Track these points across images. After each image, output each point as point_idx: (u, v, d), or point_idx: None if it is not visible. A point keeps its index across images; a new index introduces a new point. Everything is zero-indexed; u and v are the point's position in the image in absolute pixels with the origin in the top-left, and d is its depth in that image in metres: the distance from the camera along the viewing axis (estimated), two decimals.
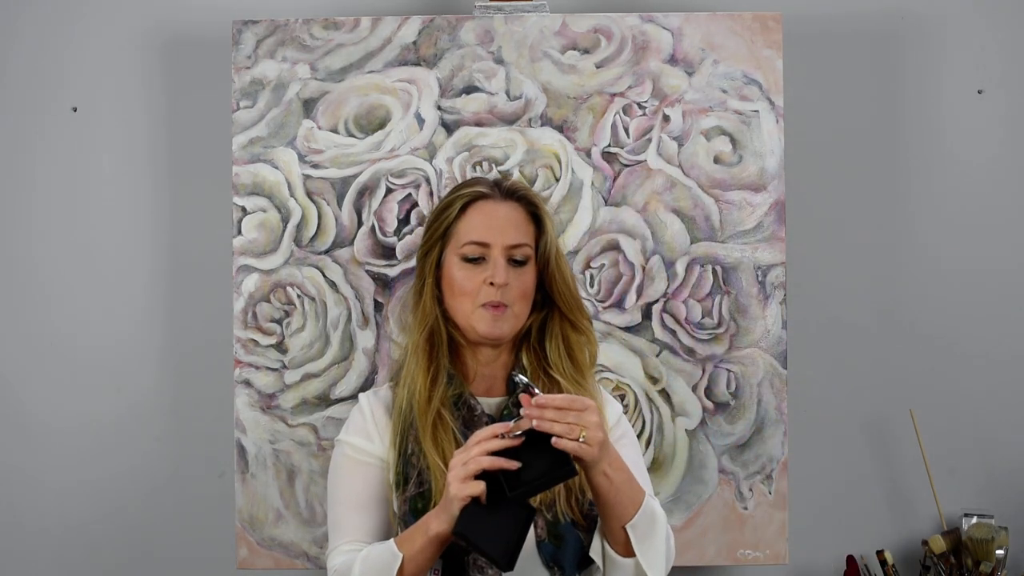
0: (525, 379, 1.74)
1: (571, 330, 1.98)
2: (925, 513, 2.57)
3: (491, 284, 1.91)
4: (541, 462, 1.69)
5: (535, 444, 1.69)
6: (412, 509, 1.87)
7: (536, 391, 1.72)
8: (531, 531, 1.84)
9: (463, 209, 1.95)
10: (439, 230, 1.96)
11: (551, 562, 1.85)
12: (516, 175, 2.38)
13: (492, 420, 1.92)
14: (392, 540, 1.80)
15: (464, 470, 1.69)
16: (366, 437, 1.94)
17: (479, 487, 1.69)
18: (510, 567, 1.69)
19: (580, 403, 1.71)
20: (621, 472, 1.77)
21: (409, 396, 1.92)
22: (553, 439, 1.69)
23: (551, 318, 1.98)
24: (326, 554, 1.91)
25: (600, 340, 2.38)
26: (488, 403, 1.95)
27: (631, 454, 1.95)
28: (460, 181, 2.36)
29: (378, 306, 2.39)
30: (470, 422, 1.91)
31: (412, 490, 1.88)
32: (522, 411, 1.70)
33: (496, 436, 1.71)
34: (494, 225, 1.94)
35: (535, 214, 1.98)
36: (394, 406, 1.95)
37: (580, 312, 1.99)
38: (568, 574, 1.86)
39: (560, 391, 1.93)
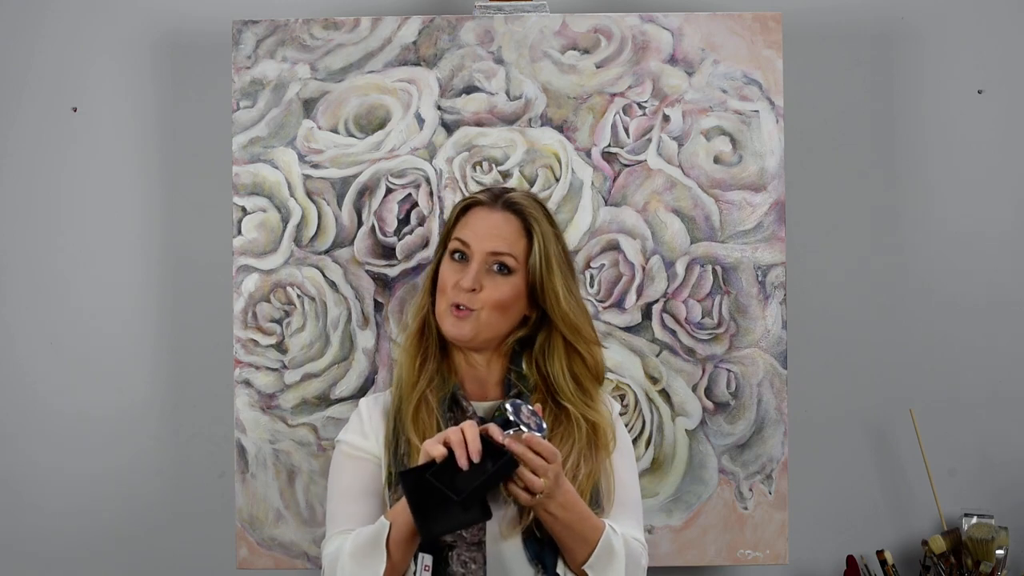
0: (516, 408, 1.78)
1: (572, 351, 1.97)
2: (925, 513, 2.57)
3: (457, 286, 1.94)
4: (469, 481, 1.74)
5: (488, 462, 1.75)
6: None
7: (523, 420, 1.77)
8: (517, 529, 1.88)
9: (461, 214, 1.99)
10: (443, 236, 2.02)
11: (535, 559, 1.87)
12: (516, 175, 2.38)
13: (483, 422, 1.93)
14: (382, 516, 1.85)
15: (444, 433, 1.76)
16: (362, 435, 1.97)
17: (439, 451, 1.74)
18: (426, 536, 1.76)
19: (551, 454, 1.77)
20: (570, 512, 1.81)
21: (397, 382, 1.96)
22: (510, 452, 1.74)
23: (553, 336, 1.98)
24: (320, 546, 1.94)
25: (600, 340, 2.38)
26: (480, 406, 1.96)
27: (624, 466, 1.97)
28: (460, 181, 2.37)
29: (378, 306, 2.39)
30: (461, 423, 1.92)
31: None
32: (504, 440, 1.74)
33: (484, 435, 1.76)
34: (480, 230, 1.96)
35: (529, 227, 1.98)
36: (391, 407, 1.97)
37: (578, 333, 1.97)
38: (551, 573, 1.87)
39: (568, 415, 1.94)
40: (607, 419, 1.96)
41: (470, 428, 1.74)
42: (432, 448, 1.74)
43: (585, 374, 1.97)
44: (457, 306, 1.93)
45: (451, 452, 1.74)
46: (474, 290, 1.93)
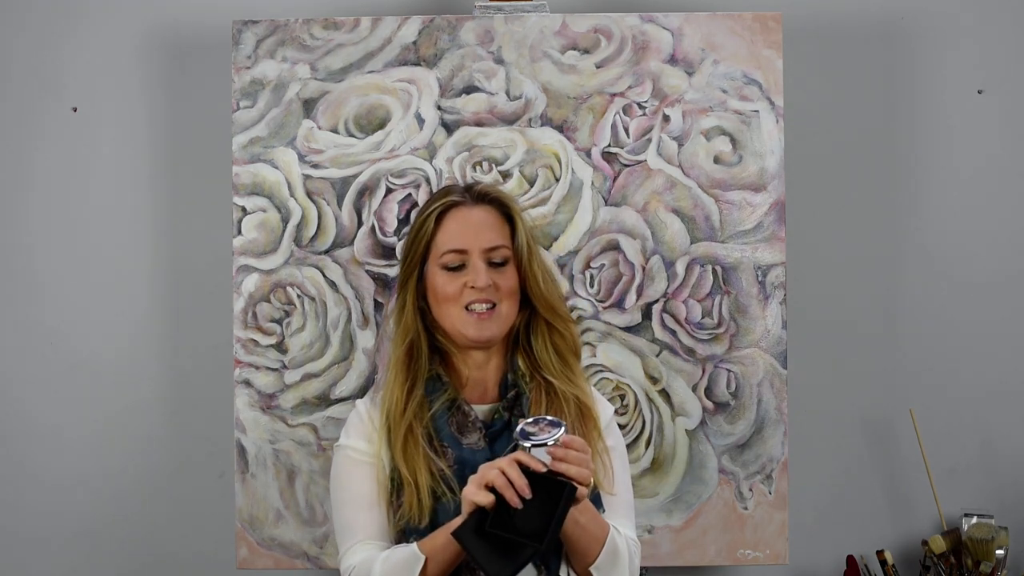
0: (525, 435, 1.75)
1: (551, 328, 2.00)
2: (925, 513, 2.57)
3: (472, 288, 1.93)
4: (533, 519, 1.71)
5: (537, 492, 1.72)
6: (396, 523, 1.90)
7: (541, 438, 1.74)
8: None
9: (438, 220, 1.97)
10: (420, 247, 1.98)
11: (538, 560, 1.87)
12: (516, 175, 2.39)
13: (484, 425, 1.94)
14: (415, 543, 1.83)
15: (481, 477, 1.73)
16: (366, 440, 1.95)
17: (488, 499, 1.71)
18: None
19: (582, 444, 1.75)
20: (586, 513, 1.82)
21: (387, 407, 1.95)
22: (550, 465, 1.73)
23: (535, 316, 2.00)
24: (339, 557, 1.92)
25: (600, 340, 2.38)
26: (481, 409, 1.96)
27: (618, 466, 1.97)
28: (460, 181, 2.37)
29: (378, 306, 2.39)
30: (464, 427, 1.93)
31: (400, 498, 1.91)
32: (546, 450, 1.72)
33: (520, 465, 1.73)
34: (469, 231, 1.95)
35: (508, 215, 1.99)
36: (382, 424, 1.97)
37: (555, 312, 2.00)
38: (554, 573, 1.87)
39: (555, 391, 1.95)
40: (588, 395, 1.99)
41: (511, 467, 1.71)
42: (480, 497, 1.71)
43: (565, 347, 2.00)
44: (477, 310, 1.93)
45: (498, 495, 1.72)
46: (489, 287, 1.93)
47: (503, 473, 1.71)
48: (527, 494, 1.70)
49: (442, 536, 1.79)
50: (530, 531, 1.70)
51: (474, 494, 1.72)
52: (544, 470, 1.72)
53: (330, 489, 1.98)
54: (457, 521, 1.76)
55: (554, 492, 1.72)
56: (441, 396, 1.94)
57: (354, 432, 1.97)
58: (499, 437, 1.92)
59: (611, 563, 1.85)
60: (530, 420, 1.77)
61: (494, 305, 1.94)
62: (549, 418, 1.77)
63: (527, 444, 1.73)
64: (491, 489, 1.71)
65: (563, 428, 1.74)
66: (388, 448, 1.93)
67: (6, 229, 2.59)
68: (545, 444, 1.72)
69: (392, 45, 2.40)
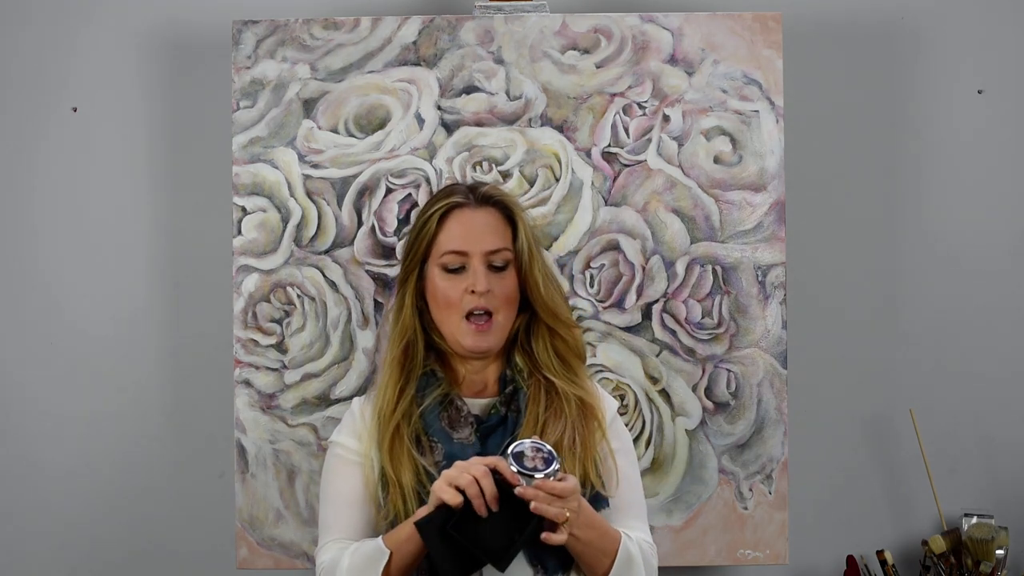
0: (518, 457, 1.75)
1: (553, 332, 1.99)
2: (925, 513, 2.57)
3: (473, 292, 1.92)
4: (495, 534, 1.73)
5: (506, 506, 1.73)
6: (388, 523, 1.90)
7: (528, 466, 1.73)
8: None
9: (441, 220, 1.96)
10: (421, 247, 1.97)
11: (534, 560, 1.86)
12: (516, 175, 2.39)
13: (478, 420, 1.94)
14: (380, 537, 1.83)
15: (455, 476, 1.73)
16: (356, 437, 1.96)
17: (456, 499, 1.72)
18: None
19: (563, 490, 1.74)
20: (590, 531, 1.81)
21: (378, 406, 1.95)
22: (533, 505, 1.73)
23: (536, 319, 1.99)
24: (315, 552, 1.94)
25: (600, 340, 2.38)
26: (475, 404, 1.96)
27: (624, 465, 1.97)
28: (460, 181, 2.36)
29: (378, 306, 2.39)
30: (455, 422, 1.93)
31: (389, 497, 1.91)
32: (516, 491, 1.72)
33: (492, 472, 1.74)
34: (471, 233, 1.95)
35: (511, 217, 1.99)
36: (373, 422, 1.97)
37: (557, 318, 1.98)
38: (551, 574, 1.86)
39: (556, 390, 1.94)
40: (592, 395, 1.98)
41: (484, 477, 1.73)
42: (448, 496, 1.72)
43: (567, 351, 1.99)
44: (473, 317, 1.93)
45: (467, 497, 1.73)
46: (488, 292, 1.93)
47: (476, 481, 1.72)
48: (494, 507, 1.72)
49: (406, 530, 1.79)
50: (491, 542, 1.71)
51: (443, 491, 1.73)
52: (519, 487, 1.73)
53: (320, 482, 1.99)
54: (423, 511, 1.77)
55: (524, 508, 1.72)
56: (434, 391, 1.94)
57: (346, 429, 1.98)
58: (493, 432, 1.92)
59: (626, 571, 1.85)
60: (528, 443, 1.76)
61: (491, 315, 1.94)
62: (548, 449, 1.76)
63: (513, 467, 1.73)
64: (461, 490, 1.72)
65: (554, 466, 1.74)
66: (377, 447, 1.93)
67: (6, 229, 2.59)
68: (531, 477, 1.72)
69: (392, 45, 2.40)
